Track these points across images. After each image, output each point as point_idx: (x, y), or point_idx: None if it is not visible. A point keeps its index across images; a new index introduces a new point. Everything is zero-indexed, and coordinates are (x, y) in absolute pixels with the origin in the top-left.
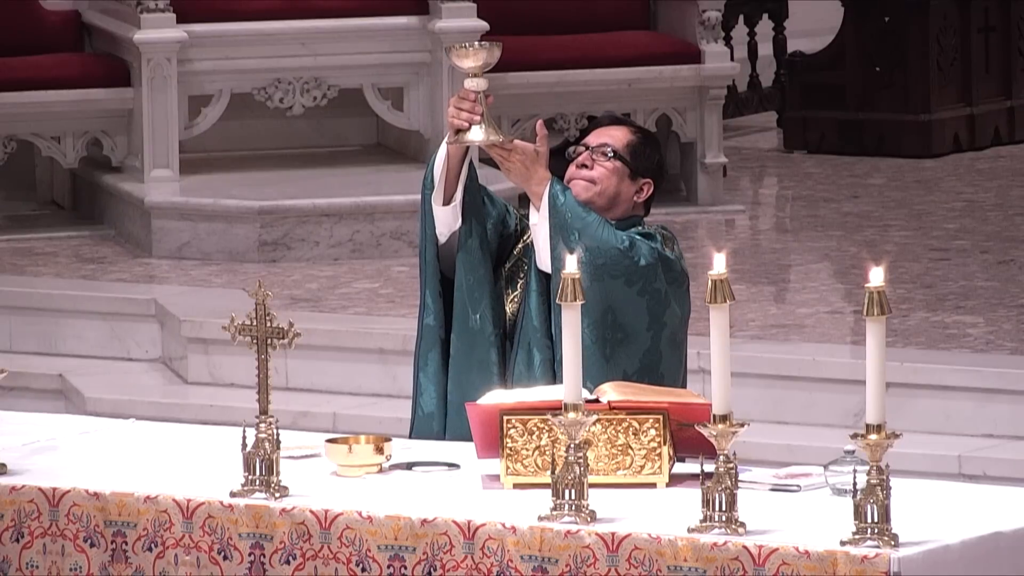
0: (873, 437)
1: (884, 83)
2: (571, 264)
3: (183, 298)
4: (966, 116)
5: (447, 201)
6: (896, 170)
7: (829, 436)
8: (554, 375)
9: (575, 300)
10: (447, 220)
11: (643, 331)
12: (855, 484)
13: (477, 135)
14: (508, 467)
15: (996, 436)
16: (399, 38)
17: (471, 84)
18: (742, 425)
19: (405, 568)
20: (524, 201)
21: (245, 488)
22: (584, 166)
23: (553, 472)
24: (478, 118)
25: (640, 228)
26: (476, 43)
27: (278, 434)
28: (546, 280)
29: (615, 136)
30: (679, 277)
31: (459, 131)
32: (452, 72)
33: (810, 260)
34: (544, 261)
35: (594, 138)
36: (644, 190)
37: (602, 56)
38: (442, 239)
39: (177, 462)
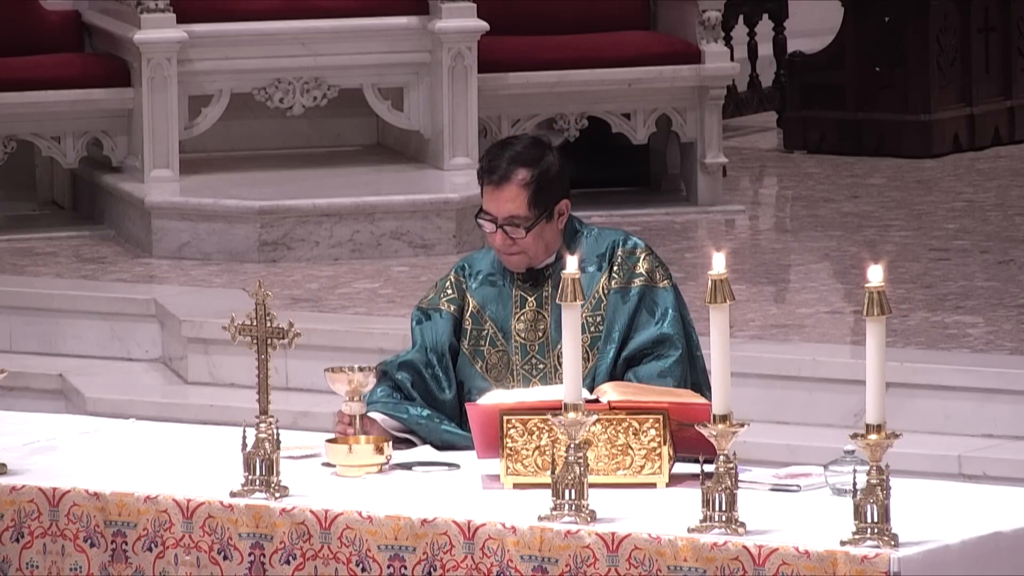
0: (873, 437)
1: (884, 83)
2: (571, 264)
3: (183, 298)
4: (966, 116)
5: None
6: (896, 170)
7: (829, 436)
8: None
9: (575, 300)
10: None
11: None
12: (855, 484)
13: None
14: (508, 467)
15: (996, 436)
16: (399, 38)
17: (345, 408)
18: (742, 425)
19: (405, 568)
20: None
21: (245, 488)
22: (506, 242)
23: (553, 472)
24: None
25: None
26: (355, 367)
27: (278, 434)
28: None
29: (515, 201)
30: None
31: None
32: (452, 72)
33: (810, 260)
34: None
35: (493, 206)
36: (565, 211)
37: (602, 56)
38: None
39: (177, 462)
